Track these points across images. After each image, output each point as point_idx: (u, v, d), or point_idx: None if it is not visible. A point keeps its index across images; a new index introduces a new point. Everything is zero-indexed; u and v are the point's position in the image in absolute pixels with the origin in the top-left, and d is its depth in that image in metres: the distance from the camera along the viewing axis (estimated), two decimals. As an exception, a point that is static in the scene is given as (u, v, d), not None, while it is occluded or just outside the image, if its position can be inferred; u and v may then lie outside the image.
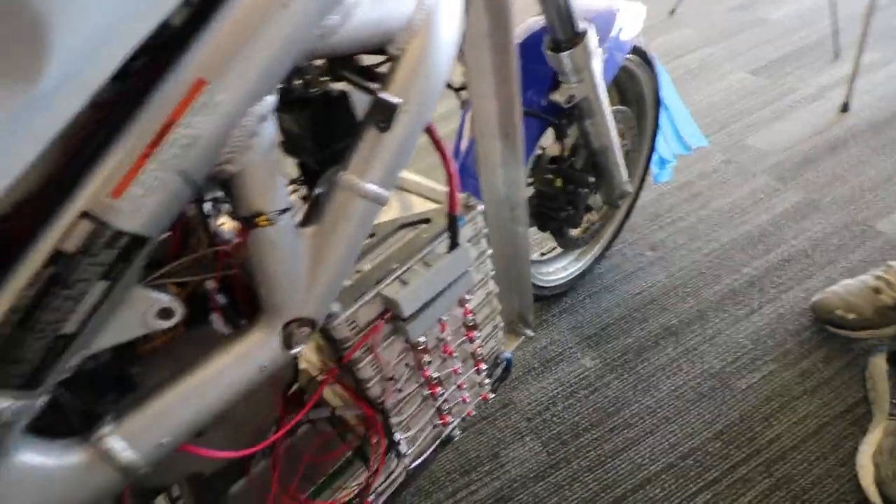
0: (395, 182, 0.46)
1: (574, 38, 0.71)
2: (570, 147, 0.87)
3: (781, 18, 2.15)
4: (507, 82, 0.57)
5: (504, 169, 0.65)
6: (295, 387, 0.64)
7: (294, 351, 0.46)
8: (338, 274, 0.45)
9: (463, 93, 0.76)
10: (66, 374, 0.34)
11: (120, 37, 0.26)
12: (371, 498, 0.64)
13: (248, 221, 0.37)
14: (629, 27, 0.88)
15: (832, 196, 1.35)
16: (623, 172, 0.96)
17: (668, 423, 0.99)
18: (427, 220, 0.60)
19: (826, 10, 2.00)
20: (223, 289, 0.48)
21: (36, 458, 0.35)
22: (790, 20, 2.12)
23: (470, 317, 0.65)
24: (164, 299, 0.38)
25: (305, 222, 0.44)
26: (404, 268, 0.55)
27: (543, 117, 0.78)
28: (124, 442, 0.38)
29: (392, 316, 0.55)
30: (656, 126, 1.15)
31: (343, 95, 0.46)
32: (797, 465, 0.89)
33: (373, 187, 0.43)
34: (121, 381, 0.43)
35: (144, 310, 0.37)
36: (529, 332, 0.85)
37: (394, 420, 0.63)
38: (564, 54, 0.72)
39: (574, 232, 1.05)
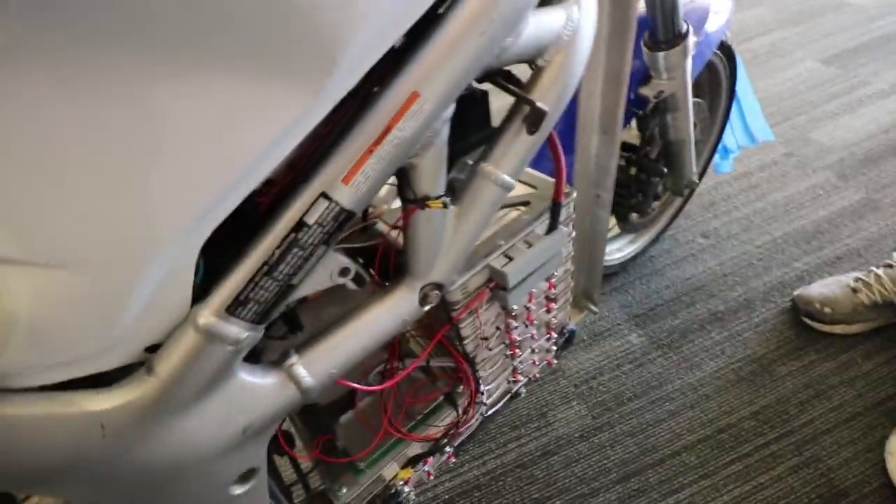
0: (521, 174, 0.54)
1: (674, 39, 0.74)
2: (647, 138, 0.92)
3: (864, 3, 2.06)
4: (617, 84, 0.63)
5: (598, 160, 0.72)
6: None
7: (426, 308, 0.55)
8: (468, 247, 0.54)
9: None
10: (278, 314, 0.45)
11: (383, 37, 0.33)
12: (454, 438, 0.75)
13: (420, 203, 0.46)
14: (717, 20, 0.90)
15: (893, 197, 1.36)
16: (694, 164, 1.00)
17: (707, 400, 1.07)
18: (526, 203, 0.68)
19: (913, -2, 1.91)
20: (368, 255, 0.58)
21: (248, 377, 0.46)
22: (874, 6, 2.03)
23: (553, 290, 0.74)
24: (346, 261, 0.47)
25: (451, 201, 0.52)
26: (508, 245, 0.63)
27: (631, 110, 0.83)
28: (306, 369, 0.48)
29: (496, 285, 0.63)
30: (726, 117, 1.18)
31: (484, 95, 0.53)
32: (827, 447, 0.97)
33: (506, 178, 0.51)
34: (292, 320, 0.54)
35: (332, 268, 0.47)
36: (594, 308, 0.93)
37: (480, 374, 0.73)
38: (662, 54, 0.76)
39: (635, 217, 1.10)
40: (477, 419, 0.80)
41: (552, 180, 0.64)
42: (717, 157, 1.30)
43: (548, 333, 0.81)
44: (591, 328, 1.22)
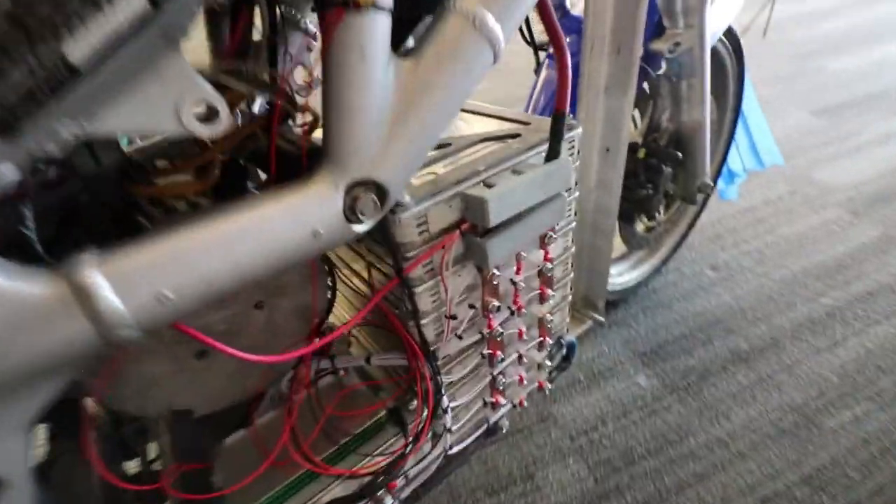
0: (512, 35, 0.37)
1: (693, -30, 0.63)
2: (657, 119, 0.78)
3: (843, 67, 2.12)
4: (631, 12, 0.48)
5: (605, 123, 0.56)
6: (325, 325, 0.51)
7: (357, 228, 0.34)
8: (426, 131, 0.34)
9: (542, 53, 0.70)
10: (55, 149, 0.23)
11: None
12: (400, 481, 0.49)
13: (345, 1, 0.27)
14: (728, 7, 0.81)
15: (916, 234, 1.23)
16: (708, 161, 0.86)
17: (742, 459, 0.83)
18: (516, 136, 0.50)
19: (891, 65, 1.97)
20: (259, 158, 0.38)
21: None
22: (853, 69, 2.09)
23: (549, 265, 0.53)
24: (209, 91, 0.27)
25: (405, 55, 0.34)
26: (491, 172, 0.44)
27: (644, 67, 0.69)
28: (108, 281, 0.26)
29: (470, 227, 0.43)
30: (734, 125, 1.07)
31: None
32: (912, 525, 0.72)
33: (491, 20, 0.33)
34: (125, 225, 0.32)
35: (180, 97, 0.26)
36: (599, 318, 0.72)
37: (444, 378, 0.50)
38: (678, -12, 0.64)
39: (640, 228, 0.94)
40: (437, 457, 0.54)
41: (548, 118, 0.47)
42: (721, 182, 1.17)
43: (542, 336, 0.59)
44: (589, 366, 0.99)
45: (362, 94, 0.32)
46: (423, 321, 0.46)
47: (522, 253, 0.50)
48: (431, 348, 0.48)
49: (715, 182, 1.11)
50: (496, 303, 0.49)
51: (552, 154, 0.46)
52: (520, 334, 0.56)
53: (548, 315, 0.58)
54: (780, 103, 1.90)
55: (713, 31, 0.77)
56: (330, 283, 0.50)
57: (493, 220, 0.42)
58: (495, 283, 0.48)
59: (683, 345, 1.04)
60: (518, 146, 0.48)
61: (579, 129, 0.52)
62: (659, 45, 0.68)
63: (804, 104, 1.88)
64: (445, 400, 0.51)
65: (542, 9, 0.41)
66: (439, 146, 0.50)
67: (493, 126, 0.55)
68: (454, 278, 0.47)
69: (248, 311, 0.40)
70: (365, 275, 0.51)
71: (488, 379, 0.56)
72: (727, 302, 1.12)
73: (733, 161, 1.15)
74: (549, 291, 0.56)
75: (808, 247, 1.24)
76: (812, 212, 1.36)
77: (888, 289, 1.10)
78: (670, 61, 0.72)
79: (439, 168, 0.47)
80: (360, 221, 0.35)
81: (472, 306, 0.50)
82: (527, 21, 0.82)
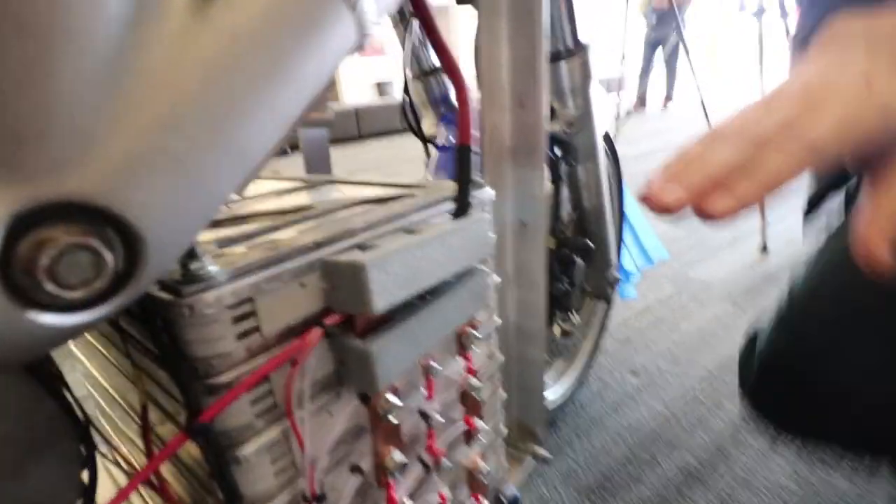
0: (382, 15, 0.24)
1: (575, 48, 0.61)
2: (558, 202, 0.71)
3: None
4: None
5: (516, 190, 0.46)
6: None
7: (42, 319, 0.14)
8: (236, 118, 0.18)
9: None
10: None
11: None
12: None
13: None
14: (603, 107, 0.84)
15: (795, 319, 1.30)
16: (614, 253, 0.80)
17: None
18: (409, 193, 0.36)
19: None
20: None
21: None
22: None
23: (473, 380, 0.36)
24: None
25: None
26: (373, 232, 0.29)
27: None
28: None
29: (340, 320, 0.25)
30: (620, 234, 1.07)
31: None
32: None
33: None
34: None
35: None
36: (543, 452, 0.53)
37: None
38: (564, 63, 0.61)
39: (557, 330, 0.82)
40: None
41: (448, 181, 0.39)
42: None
43: (474, 497, 0.38)
44: (529, 520, 0.76)
45: (72, 16, 0.14)
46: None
47: (432, 363, 0.33)
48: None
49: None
50: (398, 456, 0.29)
51: (461, 208, 0.32)
52: (441, 500, 0.34)
53: (479, 461, 0.38)
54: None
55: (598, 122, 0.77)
56: (84, 452, 0.26)
57: (380, 303, 0.25)
58: (393, 418, 0.28)
59: (630, 471, 0.86)
60: (412, 202, 0.34)
61: (490, 191, 0.39)
62: (553, 127, 0.64)
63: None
64: None
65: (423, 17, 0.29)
66: (288, 212, 0.34)
67: (378, 193, 0.41)
68: (317, 421, 0.26)
69: None
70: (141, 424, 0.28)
71: None
72: (658, 410, 1.01)
73: (626, 261, 1.16)
74: (479, 423, 0.37)
75: (711, 341, 1.23)
76: (702, 307, 1.40)
77: (797, 374, 1.08)
78: (565, 144, 0.67)
79: (285, 234, 0.30)
80: (52, 303, 0.14)
81: (355, 469, 0.28)
82: (412, 107, 0.76)
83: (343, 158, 3.87)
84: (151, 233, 0.17)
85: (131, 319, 0.25)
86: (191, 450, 0.29)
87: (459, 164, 0.32)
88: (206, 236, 0.31)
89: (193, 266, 0.23)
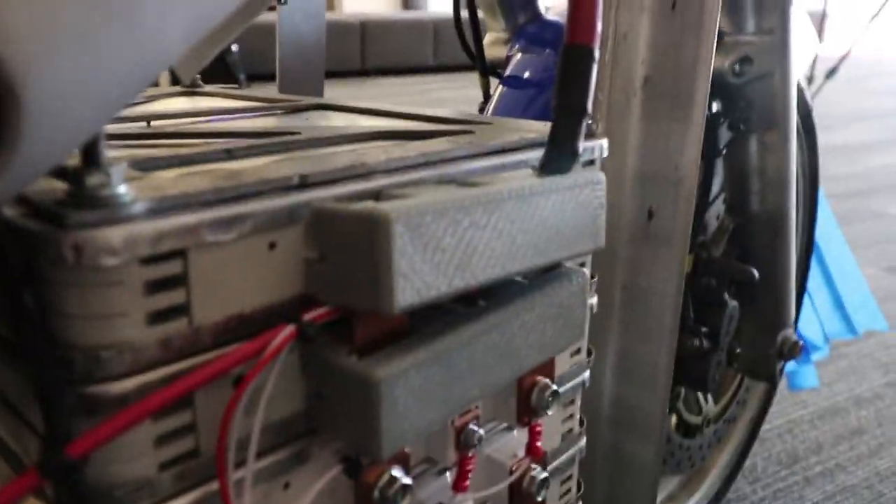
0: None
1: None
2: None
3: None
4: None
5: (643, 154, 0.53)
6: None
7: None
8: None
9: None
10: None
11: None
12: None
13: None
14: (800, 56, 0.83)
15: None
16: (792, 303, 0.81)
17: None
18: (462, 129, 0.39)
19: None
20: None
21: None
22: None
23: (537, 468, 0.37)
24: None
25: None
26: (399, 177, 0.29)
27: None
28: None
29: (330, 315, 0.27)
30: (804, 276, 1.05)
31: None
32: None
33: None
34: None
35: None
36: None
37: None
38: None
39: (672, 420, 0.85)
40: None
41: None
42: (791, 362, 1.14)
43: None
44: None
45: None
46: None
47: (473, 426, 0.35)
48: None
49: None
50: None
51: (559, 158, 0.33)
52: None
53: None
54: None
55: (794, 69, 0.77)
56: None
57: (405, 294, 0.26)
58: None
59: None
60: (466, 141, 0.37)
61: (605, 144, 0.40)
62: (715, 62, 0.63)
63: (875, 259, 2.04)
64: None
65: None
66: (255, 134, 0.40)
67: (409, 127, 0.45)
68: (266, 495, 0.28)
69: None
70: None
71: None
72: None
73: (807, 324, 1.13)
74: None
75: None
76: (931, 417, 1.34)
77: None
78: (734, 94, 0.67)
79: (248, 163, 0.33)
80: None
81: None
82: (472, 13, 0.78)
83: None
84: (30, 91, 0.17)
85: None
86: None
87: (564, 80, 0.32)
88: (119, 154, 0.31)
89: (91, 181, 0.22)
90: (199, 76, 0.63)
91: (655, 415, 0.60)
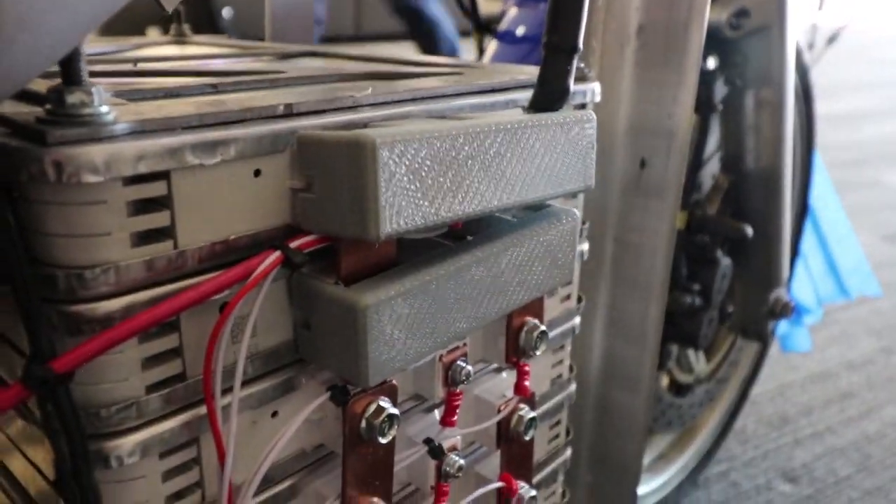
0: None
1: None
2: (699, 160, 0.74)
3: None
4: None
5: (637, 106, 0.54)
6: None
7: None
8: None
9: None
10: None
11: None
12: None
13: None
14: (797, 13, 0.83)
15: None
16: (786, 261, 0.82)
17: None
18: (452, 71, 0.41)
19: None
20: None
21: None
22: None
23: (525, 408, 0.37)
24: None
25: None
26: (386, 111, 0.29)
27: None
28: None
29: (316, 244, 0.28)
30: (797, 237, 1.05)
31: None
32: None
33: None
34: None
35: None
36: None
37: None
38: None
39: (665, 380, 0.87)
40: None
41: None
42: (783, 323, 1.15)
43: None
44: None
45: None
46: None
47: (462, 362, 0.35)
48: None
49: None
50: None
51: (550, 93, 0.33)
52: None
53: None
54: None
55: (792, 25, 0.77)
56: None
57: (390, 220, 0.26)
58: (383, 441, 0.30)
59: None
60: (455, 81, 0.38)
61: (597, 87, 0.41)
62: (712, 14, 0.63)
63: (870, 227, 2.05)
64: None
65: None
66: (242, 73, 0.39)
67: (397, 70, 0.45)
68: (252, 422, 0.29)
69: None
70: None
71: None
72: (826, 546, 0.98)
73: (801, 286, 1.14)
74: (524, 488, 0.40)
75: (933, 442, 1.19)
76: (924, 382, 1.35)
77: None
78: (730, 48, 0.67)
79: (235, 96, 0.33)
80: None
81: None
82: None
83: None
84: (3, 2, 0.18)
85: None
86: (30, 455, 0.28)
87: (555, 18, 0.32)
88: (104, 81, 0.31)
89: (72, 99, 0.23)
90: (188, 26, 0.63)
91: (645, 367, 0.61)
